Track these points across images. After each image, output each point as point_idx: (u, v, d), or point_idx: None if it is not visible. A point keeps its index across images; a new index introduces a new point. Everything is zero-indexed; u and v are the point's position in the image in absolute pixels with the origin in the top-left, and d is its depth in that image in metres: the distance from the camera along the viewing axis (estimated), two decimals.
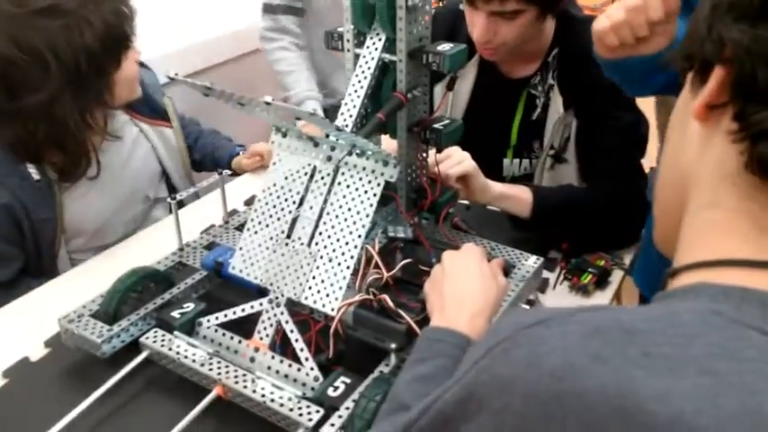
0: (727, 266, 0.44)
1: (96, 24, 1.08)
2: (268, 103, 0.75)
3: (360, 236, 0.82)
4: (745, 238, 0.44)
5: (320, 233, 0.84)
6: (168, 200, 0.99)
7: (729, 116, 0.44)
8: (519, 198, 1.16)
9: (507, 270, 0.93)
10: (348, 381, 0.77)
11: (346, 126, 0.89)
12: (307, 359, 0.80)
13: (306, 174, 0.88)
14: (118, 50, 1.14)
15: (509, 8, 1.12)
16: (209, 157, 1.49)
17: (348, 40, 0.93)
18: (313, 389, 0.78)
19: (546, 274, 1.07)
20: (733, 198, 0.45)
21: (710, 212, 0.46)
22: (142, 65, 1.32)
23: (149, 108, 1.35)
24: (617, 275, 1.12)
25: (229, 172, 1.12)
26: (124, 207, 1.31)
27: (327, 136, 0.86)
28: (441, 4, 2.66)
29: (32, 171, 1.14)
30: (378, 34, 0.91)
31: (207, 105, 1.19)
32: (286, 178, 0.89)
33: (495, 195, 1.13)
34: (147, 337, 0.84)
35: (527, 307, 0.96)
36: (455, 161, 1.07)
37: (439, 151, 1.03)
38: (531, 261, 0.98)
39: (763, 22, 0.41)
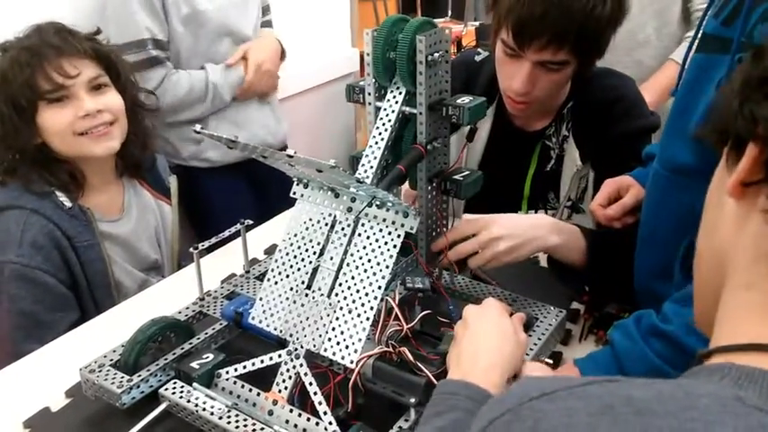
0: (759, 351, 0.42)
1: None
2: (290, 156, 0.77)
3: (380, 287, 0.82)
4: None
5: (340, 284, 0.84)
6: (191, 249, 1.00)
7: (766, 194, 0.42)
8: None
9: (530, 323, 0.92)
10: None
11: (367, 177, 0.90)
12: (325, 413, 0.79)
13: (326, 224, 0.88)
14: (20, 100, 1.17)
15: (559, 59, 1.12)
16: None
17: (369, 94, 0.95)
18: None
19: (569, 325, 1.05)
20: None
21: (746, 294, 0.45)
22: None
23: (157, 184, 1.43)
24: None
25: (251, 222, 1.12)
26: (145, 249, 1.36)
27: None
28: (458, 54, 2.71)
29: (63, 198, 1.21)
30: (398, 88, 0.93)
31: None
32: (307, 228, 0.89)
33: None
34: (167, 389, 0.84)
35: (547, 365, 0.94)
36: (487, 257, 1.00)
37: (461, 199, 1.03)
38: (554, 313, 0.97)
39: None
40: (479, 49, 1.39)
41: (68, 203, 1.21)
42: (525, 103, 1.19)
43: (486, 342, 0.74)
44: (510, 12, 1.10)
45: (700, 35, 0.88)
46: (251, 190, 1.77)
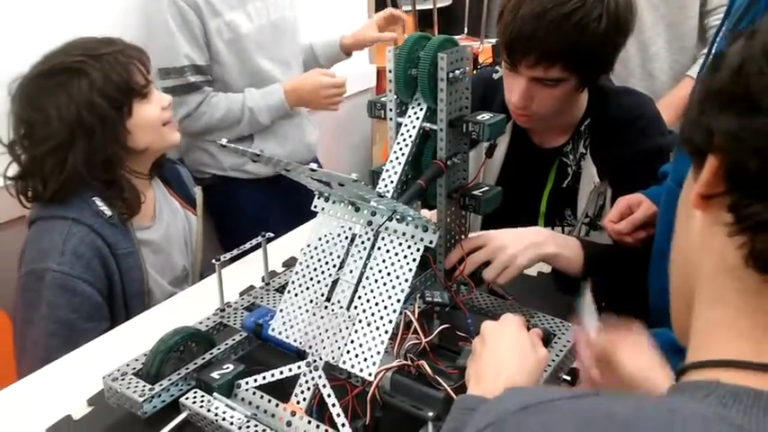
0: (738, 368, 0.41)
1: (94, 77, 1.20)
2: (313, 170, 0.78)
3: (399, 300, 0.82)
4: (750, 339, 0.42)
5: (359, 297, 0.85)
6: (213, 261, 1.01)
7: (727, 207, 0.41)
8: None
9: (547, 339, 0.92)
10: None
11: (387, 192, 0.91)
12: (343, 425, 0.79)
13: (346, 237, 0.90)
14: (121, 99, 1.23)
15: (552, 75, 1.13)
16: None
17: (391, 110, 0.96)
18: None
19: None
20: (735, 294, 0.42)
21: (714, 308, 0.44)
22: (177, 163, 1.54)
23: (185, 195, 1.49)
24: None
25: (272, 235, 1.14)
26: (175, 256, 1.40)
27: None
28: (474, 72, 2.71)
29: (103, 207, 1.24)
30: (419, 104, 0.94)
31: None
32: (327, 241, 0.90)
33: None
34: (187, 398, 0.85)
35: (564, 382, 0.94)
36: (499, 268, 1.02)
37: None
38: (572, 330, 0.97)
39: (750, 111, 0.39)
40: (497, 67, 1.40)
41: (108, 212, 1.24)
42: (526, 116, 1.21)
43: (505, 358, 0.74)
44: (505, 29, 1.13)
45: (712, 55, 0.89)
46: (286, 203, 1.80)
